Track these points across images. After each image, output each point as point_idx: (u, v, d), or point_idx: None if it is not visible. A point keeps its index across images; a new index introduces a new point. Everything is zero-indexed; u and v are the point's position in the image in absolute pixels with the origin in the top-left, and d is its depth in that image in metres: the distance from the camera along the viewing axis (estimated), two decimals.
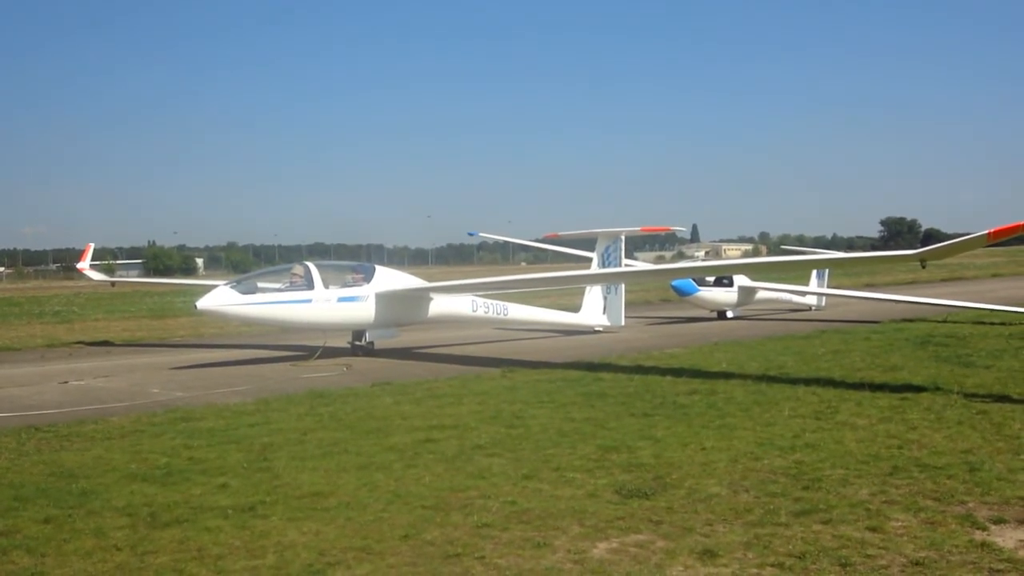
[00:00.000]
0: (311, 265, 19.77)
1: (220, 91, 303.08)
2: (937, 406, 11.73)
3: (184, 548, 6.72)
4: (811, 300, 30.45)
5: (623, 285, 24.75)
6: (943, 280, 49.35)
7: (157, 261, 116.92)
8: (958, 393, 12.62)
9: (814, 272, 29.91)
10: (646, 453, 9.44)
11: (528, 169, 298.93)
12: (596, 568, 6.18)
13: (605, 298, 24.18)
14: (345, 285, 19.70)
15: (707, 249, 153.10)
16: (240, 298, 18.50)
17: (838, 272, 38.98)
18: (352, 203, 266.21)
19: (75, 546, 6.81)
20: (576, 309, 24.41)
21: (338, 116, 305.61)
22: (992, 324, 23.07)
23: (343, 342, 20.72)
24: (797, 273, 33.19)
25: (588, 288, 24.24)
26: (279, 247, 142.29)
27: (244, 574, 6.23)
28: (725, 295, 28.09)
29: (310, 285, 19.07)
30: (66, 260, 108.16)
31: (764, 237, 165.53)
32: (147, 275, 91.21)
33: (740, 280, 28.14)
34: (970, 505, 7.43)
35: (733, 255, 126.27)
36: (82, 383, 16.35)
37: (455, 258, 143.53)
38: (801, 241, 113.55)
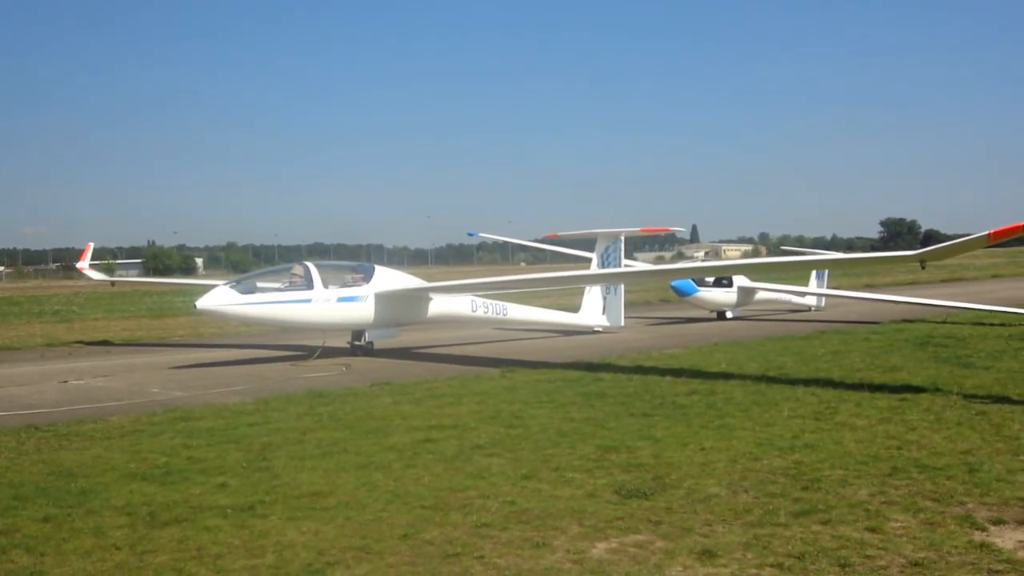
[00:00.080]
0: (311, 265, 19.77)
1: (220, 91, 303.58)
2: (936, 407, 11.73)
3: (183, 547, 6.72)
4: (811, 301, 30.45)
5: (622, 285, 24.74)
6: (943, 281, 49.35)
7: (157, 261, 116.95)
8: (957, 394, 12.62)
9: (814, 273, 29.91)
10: (645, 453, 9.44)
11: (528, 169, 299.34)
12: (595, 568, 6.18)
13: (604, 298, 24.18)
14: (344, 285, 19.70)
15: (707, 250, 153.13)
16: (239, 298, 18.50)
17: (838, 273, 38.99)
18: (352, 203, 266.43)
19: (74, 545, 6.81)
20: (575, 309, 24.41)
21: (338, 116, 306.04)
22: (992, 325, 23.07)
23: (343, 342, 20.71)
24: (797, 274, 33.22)
25: (587, 288, 24.24)
26: (279, 247, 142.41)
27: (243, 573, 6.23)
28: (725, 295, 28.09)
29: (310, 285, 19.07)
30: (66, 260, 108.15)
31: (764, 238, 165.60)
32: (147, 275, 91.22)
33: (740, 280, 28.14)
34: (969, 506, 7.43)
35: (733, 256, 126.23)
36: (81, 382, 16.35)
37: (455, 258, 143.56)
38: (801, 242, 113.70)
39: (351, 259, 69.49)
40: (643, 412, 11.78)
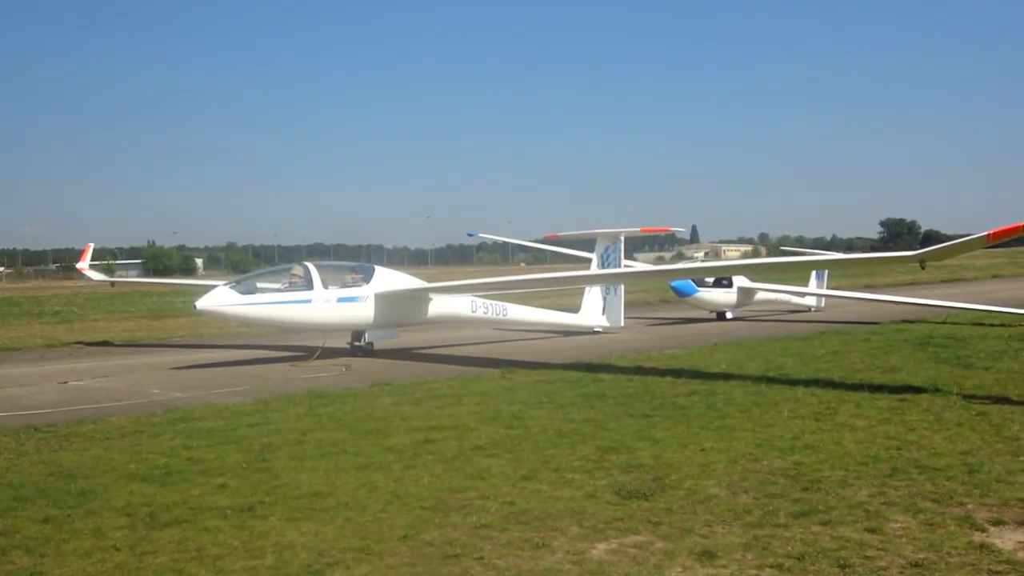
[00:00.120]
0: (310, 265, 19.77)
1: (220, 91, 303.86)
2: (936, 407, 11.73)
3: (183, 548, 6.72)
4: (810, 301, 30.44)
5: (622, 286, 24.74)
6: (943, 281, 49.33)
7: (157, 261, 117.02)
8: (957, 394, 12.62)
9: (813, 273, 29.91)
10: (645, 454, 9.43)
11: (528, 169, 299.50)
12: (595, 569, 6.18)
13: (604, 299, 24.18)
14: (344, 285, 19.70)
15: (706, 250, 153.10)
16: (239, 298, 18.50)
17: (837, 273, 38.99)
18: (352, 203, 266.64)
19: (74, 546, 6.81)
20: (575, 310, 24.41)
21: (338, 116, 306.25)
22: (992, 325, 23.07)
23: (342, 342, 20.71)
24: (796, 274, 33.21)
25: (587, 289, 24.24)
26: (279, 247, 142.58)
27: (243, 574, 6.23)
28: (724, 296, 28.09)
29: (309, 285, 19.07)
30: (66, 260, 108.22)
31: (764, 238, 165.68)
32: (147, 275, 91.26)
33: (739, 281, 28.14)
34: (969, 507, 7.43)
35: (732, 256, 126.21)
36: (81, 383, 16.35)
37: (454, 258, 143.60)
38: (801, 242, 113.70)
39: (351, 259, 69.51)
40: (643, 413, 11.78)
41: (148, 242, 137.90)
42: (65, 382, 16.52)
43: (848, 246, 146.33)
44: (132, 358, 20.86)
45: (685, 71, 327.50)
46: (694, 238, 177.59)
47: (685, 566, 6.22)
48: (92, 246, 30.78)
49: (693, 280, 27.63)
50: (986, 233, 13.28)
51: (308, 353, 20.10)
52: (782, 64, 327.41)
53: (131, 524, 7.33)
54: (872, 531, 6.82)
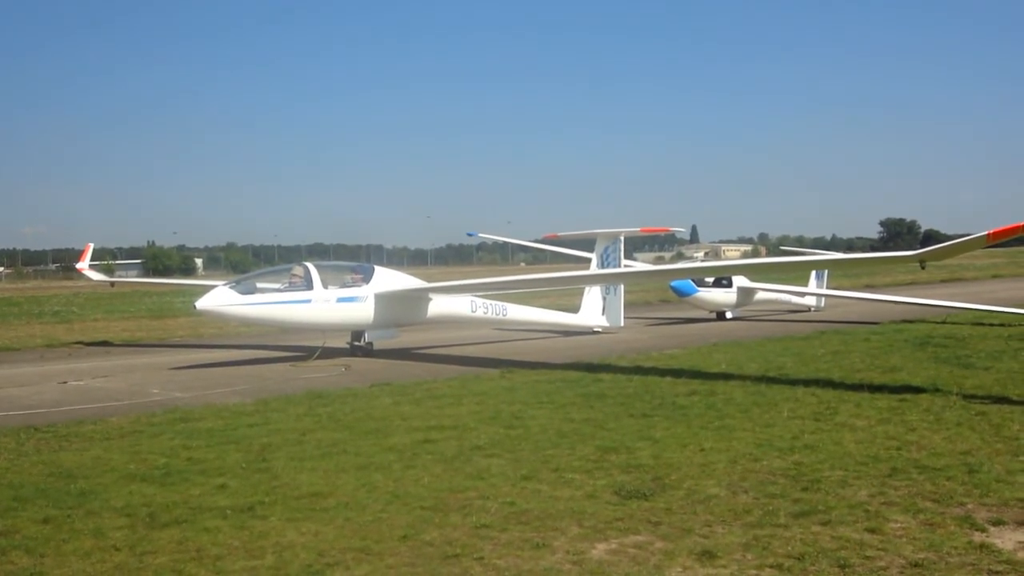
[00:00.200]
0: (310, 265, 19.77)
1: (220, 91, 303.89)
2: (936, 407, 11.73)
3: (183, 548, 6.72)
4: (810, 301, 30.44)
5: (622, 286, 24.74)
6: (943, 281, 49.33)
7: (156, 261, 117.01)
8: (957, 394, 12.62)
9: (813, 273, 29.91)
10: (645, 454, 9.43)
11: (528, 169, 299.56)
12: (595, 569, 6.18)
13: (604, 299, 24.18)
14: (344, 285, 19.70)
15: (706, 250, 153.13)
16: (239, 298, 18.50)
17: (837, 273, 39.00)
18: (352, 203, 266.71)
19: (74, 546, 6.81)
20: (575, 310, 24.40)
21: (338, 116, 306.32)
22: (991, 325, 23.07)
23: (342, 343, 20.71)
24: (796, 274, 33.21)
25: (587, 289, 24.24)
26: (278, 247, 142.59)
27: (243, 574, 6.23)
28: (724, 296, 28.09)
29: (309, 285, 19.07)
30: (65, 260, 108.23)
31: (763, 238, 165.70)
32: (146, 275, 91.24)
33: (739, 281, 28.14)
34: (969, 507, 7.43)
35: (732, 256, 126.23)
36: (81, 383, 16.35)
37: (454, 258, 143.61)
38: (800, 242, 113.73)
39: (351, 259, 69.51)
40: (643, 413, 11.78)
41: (148, 242, 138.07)
42: (65, 382, 16.52)
43: (848, 246, 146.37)
44: (132, 358, 20.86)
45: (685, 71, 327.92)
46: (694, 238, 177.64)
47: (685, 566, 6.22)
48: (92, 246, 30.79)
49: (693, 280, 27.63)
50: (986, 233, 13.28)
51: (308, 353, 20.10)
52: (782, 64, 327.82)
53: (131, 524, 7.33)
54: (872, 531, 6.82)
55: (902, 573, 6.04)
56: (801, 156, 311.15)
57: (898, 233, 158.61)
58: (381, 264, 24.06)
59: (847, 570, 6.07)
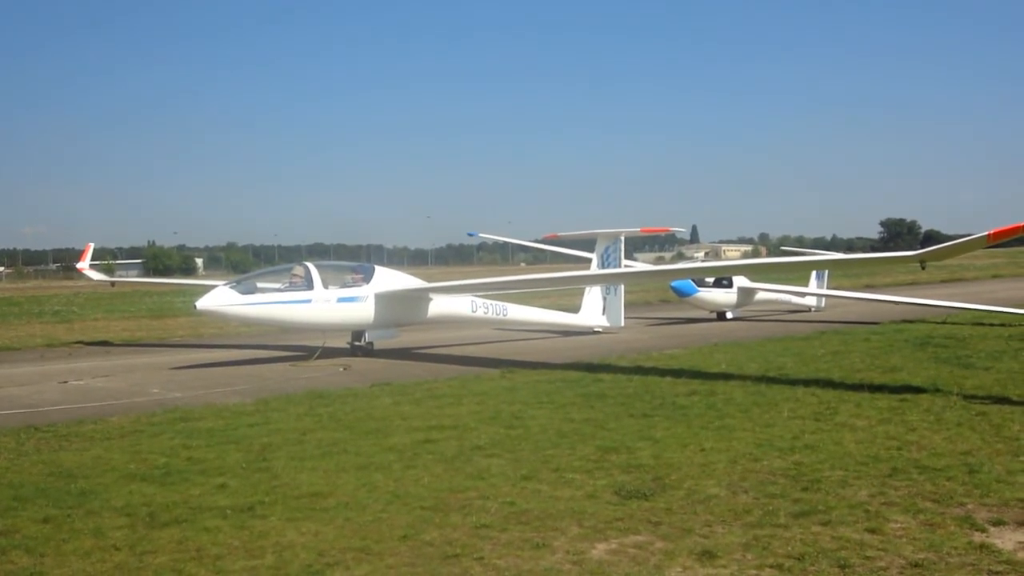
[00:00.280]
0: (311, 265, 19.77)
1: (220, 91, 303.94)
2: (936, 407, 11.73)
3: (183, 548, 6.72)
4: (811, 301, 30.44)
5: (622, 286, 24.74)
6: (943, 281, 49.33)
7: (157, 261, 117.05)
8: (957, 394, 12.62)
9: (814, 273, 29.91)
10: (645, 454, 9.43)
11: (528, 169, 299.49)
12: (595, 569, 6.18)
13: (604, 299, 24.18)
14: (344, 285, 19.70)
15: (707, 250, 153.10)
16: (239, 298, 18.50)
17: (838, 273, 38.97)
18: (352, 203, 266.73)
19: (74, 546, 6.81)
20: (575, 310, 24.41)
21: (338, 116, 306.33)
22: (992, 325, 23.07)
23: (343, 342, 20.71)
24: (797, 274, 33.20)
25: (587, 289, 24.24)
26: (279, 247, 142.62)
27: (243, 574, 6.23)
28: (725, 296, 28.10)
29: (310, 285, 19.07)
30: (66, 260, 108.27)
31: (764, 238, 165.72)
32: (147, 275, 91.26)
33: (740, 281, 28.14)
34: (969, 507, 7.43)
35: (733, 256, 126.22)
36: (81, 383, 16.35)
37: (455, 258, 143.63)
38: (801, 242, 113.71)
39: (351, 259, 69.49)
40: (643, 413, 11.78)
41: (148, 242, 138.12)
42: (65, 382, 16.52)
43: (848, 246, 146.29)
44: (132, 358, 20.86)
45: (685, 71, 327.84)
46: (694, 238, 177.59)
47: (685, 566, 6.21)
48: (92, 246, 30.79)
49: (693, 280, 27.63)
50: (986, 233, 13.28)
51: (308, 353, 20.10)
52: (782, 64, 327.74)
53: (131, 524, 7.33)
54: (872, 531, 6.82)
55: (902, 573, 6.04)
56: (801, 156, 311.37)
57: (898, 233, 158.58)
58: (381, 264, 24.05)
59: (847, 570, 6.07)
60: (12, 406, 13.65)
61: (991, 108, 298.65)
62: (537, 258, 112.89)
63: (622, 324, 24.46)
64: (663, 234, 57.62)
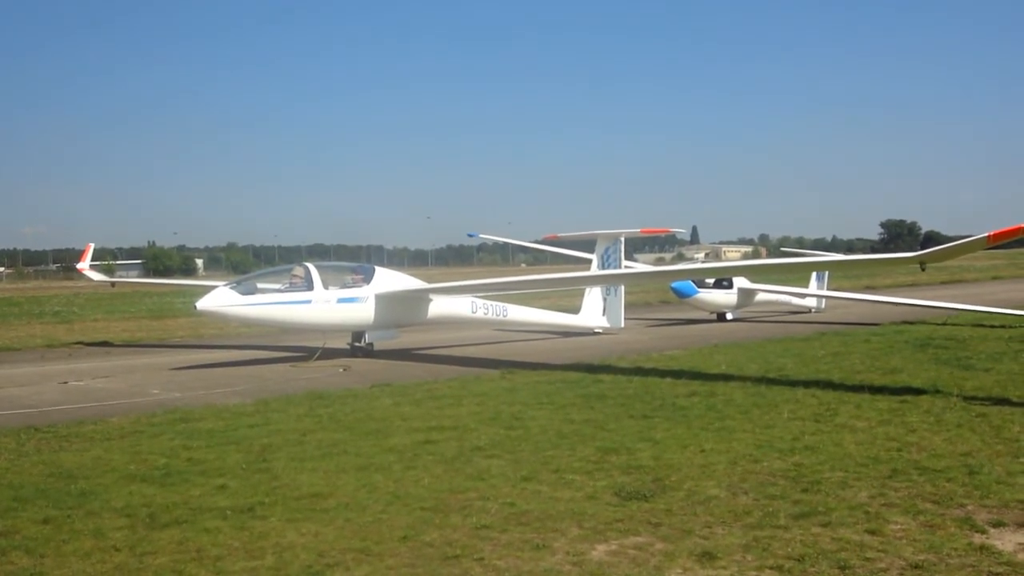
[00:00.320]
0: (311, 266, 19.78)
1: (220, 91, 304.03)
2: (937, 409, 11.73)
3: (183, 549, 6.72)
4: (811, 302, 30.46)
5: (623, 287, 24.74)
6: (943, 283, 49.35)
7: (157, 261, 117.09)
8: (958, 396, 12.62)
9: (814, 274, 29.92)
10: (645, 455, 9.43)
11: (528, 169, 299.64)
12: (595, 570, 6.18)
13: (605, 299, 24.18)
14: (345, 286, 19.71)
15: (707, 251, 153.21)
16: (240, 299, 18.50)
17: (838, 274, 39.00)
18: (352, 203, 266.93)
19: (74, 547, 6.81)
20: (576, 311, 24.41)
21: (338, 116, 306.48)
22: (992, 327, 23.06)
23: (343, 343, 20.71)
24: (797, 275, 33.20)
25: (588, 289, 24.25)
26: (279, 248, 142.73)
27: (243, 575, 6.23)
28: (725, 297, 28.10)
29: (310, 286, 19.07)
30: (66, 260, 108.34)
31: (764, 239, 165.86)
32: (147, 275, 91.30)
33: (740, 282, 28.15)
34: (969, 508, 7.43)
35: (733, 257, 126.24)
36: (82, 383, 16.36)
37: (455, 259, 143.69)
38: (801, 243, 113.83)
39: (351, 260, 69.55)
40: (643, 414, 11.78)
41: (148, 242, 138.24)
42: (65, 382, 16.52)
43: (848, 247, 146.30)
44: (132, 358, 20.87)
45: (685, 71, 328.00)
46: (694, 239, 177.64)
47: (685, 567, 6.21)
48: (92, 246, 30.82)
49: (693, 281, 27.64)
50: (987, 234, 13.28)
51: (308, 354, 20.10)
52: (782, 64, 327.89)
53: (131, 525, 7.33)
54: (872, 532, 6.82)
55: (902, 574, 6.04)
56: (801, 156, 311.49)
57: (899, 234, 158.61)
58: (382, 265, 24.07)
59: (847, 571, 6.07)
60: (12, 406, 13.66)
61: (991, 108, 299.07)
62: (537, 259, 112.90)
63: (622, 325, 24.46)
64: (663, 235, 57.64)
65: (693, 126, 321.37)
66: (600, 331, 24.24)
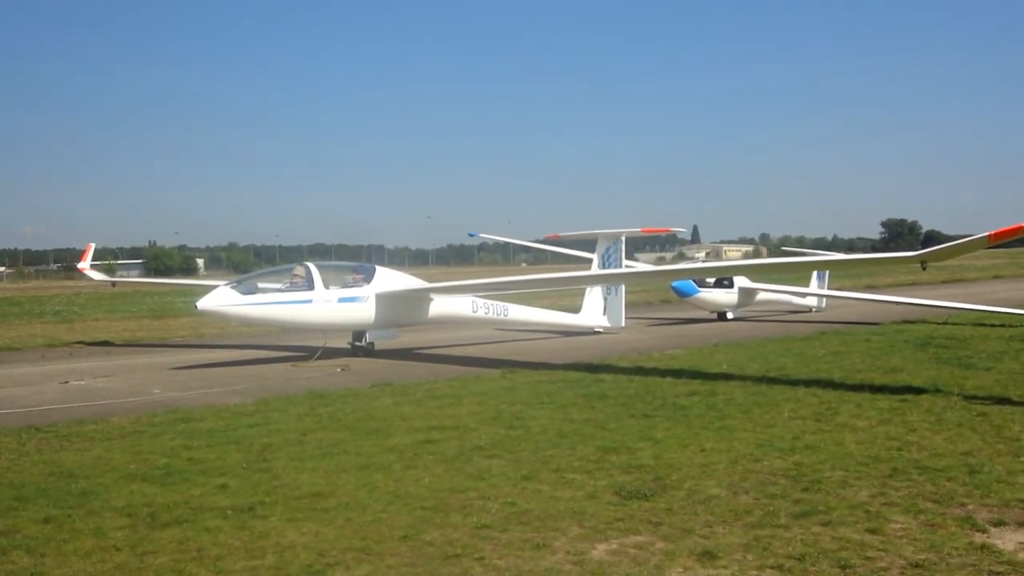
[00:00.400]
0: (311, 265, 19.77)
1: (220, 91, 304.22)
2: (937, 408, 11.73)
3: (183, 548, 6.72)
4: (811, 301, 30.45)
5: (623, 286, 24.74)
6: (944, 282, 49.33)
7: (158, 261, 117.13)
8: (958, 395, 12.62)
9: (814, 273, 29.91)
10: (646, 454, 9.43)
11: (528, 169, 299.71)
12: (595, 569, 6.18)
13: (605, 299, 24.18)
14: (345, 286, 19.70)
15: (707, 250, 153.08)
16: (240, 298, 18.50)
17: (838, 273, 38.97)
18: (352, 203, 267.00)
19: (75, 546, 6.81)
20: (576, 310, 24.40)
21: (338, 116, 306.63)
22: (993, 326, 23.06)
23: (343, 343, 20.71)
24: (797, 274, 33.19)
25: (588, 289, 24.24)
26: (280, 247, 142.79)
27: (243, 574, 6.23)
28: (725, 296, 28.10)
29: (310, 286, 19.07)
30: (67, 260, 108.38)
31: (765, 238, 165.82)
32: (148, 275, 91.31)
33: (740, 281, 28.15)
34: (970, 507, 7.42)
35: (733, 256, 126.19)
36: (82, 383, 16.36)
37: (455, 259, 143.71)
38: (801, 242, 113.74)
39: (352, 260, 69.51)
40: (644, 413, 11.78)
41: (149, 242, 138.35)
42: (66, 382, 16.52)
43: (849, 246, 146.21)
44: (133, 358, 20.87)
45: (685, 71, 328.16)
46: (695, 238, 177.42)
47: (686, 566, 6.21)
48: (93, 246, 30.80)
49: (694, 280, 27.64)
50: (987, 234, 13.28)
51: (309, 353, 20.10)
52: (782, 64, 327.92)
53: (132, 524, 7.34)
54: (873, 532, 6.82)
55: (903, 574, 6.03)
56: (801, 156, 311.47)
57: (899, 234, 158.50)
58: (382, 264, 24.06)
59: (848, 571, 6.07)
60: (13, 406, 13.66)
61: (991, 108, 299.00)
62: (538, 258, 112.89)
63: (623, 324, 24.46)
64: (664, 234, 57.62)
65: (693, 126, 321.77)
66: (601, 330, 24.24)
